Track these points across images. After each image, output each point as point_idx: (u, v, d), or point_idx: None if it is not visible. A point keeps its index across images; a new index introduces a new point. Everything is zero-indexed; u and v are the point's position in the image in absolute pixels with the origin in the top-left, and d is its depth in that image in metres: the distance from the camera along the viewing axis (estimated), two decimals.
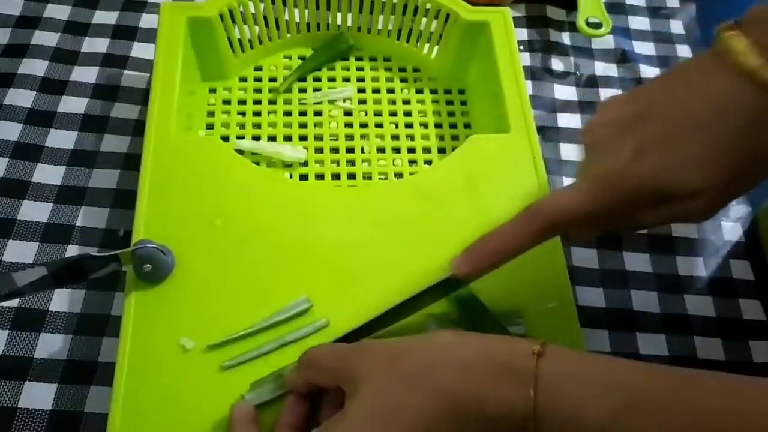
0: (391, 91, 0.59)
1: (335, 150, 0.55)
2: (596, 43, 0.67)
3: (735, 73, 0.34)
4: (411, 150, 0.56)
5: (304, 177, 0.53)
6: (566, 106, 0.62)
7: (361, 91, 0.59)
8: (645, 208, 0.36)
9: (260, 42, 0.59)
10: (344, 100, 0.58)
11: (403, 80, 0.60)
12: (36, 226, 0.51)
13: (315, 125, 0.56)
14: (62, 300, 0.48)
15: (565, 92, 0.63)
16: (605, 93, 0.63)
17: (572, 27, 0.67)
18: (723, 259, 0.55)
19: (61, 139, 0.55)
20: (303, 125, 0.56)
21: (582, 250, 0.53)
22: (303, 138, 0.55)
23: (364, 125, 0.57)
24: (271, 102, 0.58)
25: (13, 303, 0.47)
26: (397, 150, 0.56)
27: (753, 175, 0.36)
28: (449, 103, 0.59)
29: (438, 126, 0.58)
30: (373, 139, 0.56)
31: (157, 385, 0.40)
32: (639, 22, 0.69)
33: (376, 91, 0.59)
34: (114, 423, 0.38)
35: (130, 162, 0.54)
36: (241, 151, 0.52)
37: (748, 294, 0.53)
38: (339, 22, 0.61)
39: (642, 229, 0.38)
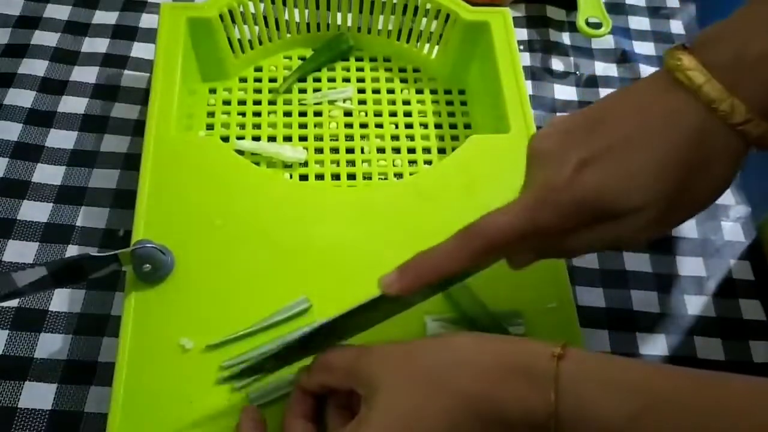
0: (391, 91, 0.59)
1: (335, 150, 0.55)
2: (596, 43, 0.67)
3: (682, 90, 0.33)
4: (411, 150, 0.56)
5: (304, 177, 0.53)
6: (566, 106, 0.62)
7: (361, 91, 0.59)
8: (583, 227, 0.35)
9: (260, 42, 0.59)
10: (344, 101, 0.58)
11: (403, 80, 0.60)
12: (36, 226, 0.51)
13: (315, 125, 0.56)
14: (62, 300, 0.48)
15: (565, 92, 0.63)
16: (605, 93, 0.63)
17: (572, 27, 0.67)
18: (723, 259, 0.55)
19: (61, 139, 0.55)
20: (303, 125, 0.56)
21: None
22: (303, 138, 0.55)
23: (364, 125, 0.57)
24: (271, 102, 0.58)
25: (13, 303, 0.47)
26: (397, 150, 0.56)
27: (693, 198, 0.35)
28: (449, 103, 0.59)
29: (438, 126, 0.58)
30: (373, 140, 0.56)
31: (156, 386, 0.40)
32: (639, 22, 0.69)
33: (376, 91, 0.59)
34: (114, 423, 0.38)
35: (130, 162, 0.54)
36: (241, 152, 0.52)
37: (748, 294, 0.53)
38: (339, 22, 0.61)
39: (577, 255, 0.37)
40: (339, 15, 0.60)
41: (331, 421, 0.37)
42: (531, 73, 0.64)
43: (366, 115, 0.58)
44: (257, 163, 0.52)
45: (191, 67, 0.55)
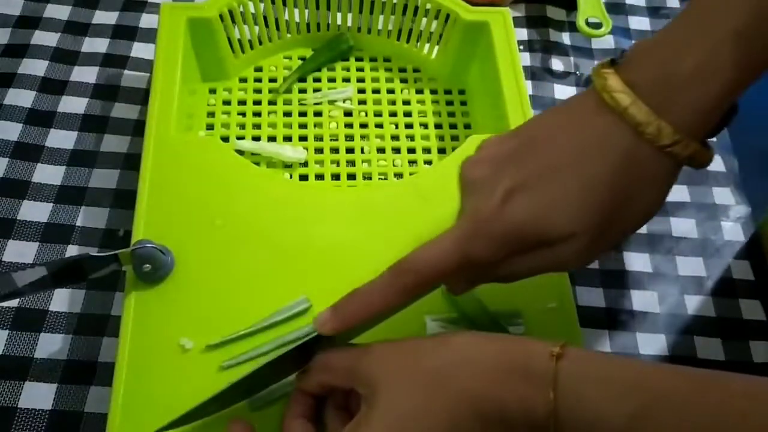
0: (391, 91, 0.59)
1: (335, 150, 0.55)
2: (596, 43, 0.67)
3: (609, 111, 0.33)
4: (411, 150, 0.56)
5: (304, 177, 0.53)
6: None
7: (361, 91, 0.59)
8: (517, 255, 0.35)
9: (260, 42, 0.59)
10: (344, 101, 0.58)
11: (403, 80, 0.60)
12: (36, 226, 0.51)
13: (315, 126, 0.56)
14: (62, 300, 0.48)
15: (565, 92, 0.63)
16: None
17: (572, 27, 0.67)
18: (723, 258, 0.55)
19: (61, 139, 0.55)
20: (303, 125, 0.56)
21: None
22: (303, 138, 0.55)
23: (364, 125, 0.57)
24: (271, 102, 0.58)
25: (13, 303, 0.47)
26: (397, 150, 0.56)
27: (625, 221, 0.34)
28: (449, 103, 0.59)
29: (438, 126, 0.58)
30: (373, 140, 0.56)
31: (156, 385, 0.40)
32: (639, 22, 0.69)
33: (376, 91, 0.59)
34: (114, 423, 0.38)
35: (130, 162, 0.54)
36: (241, 152, 0.52)
37: (748, 294, 0.53)
38: (339, 22, 0.61)
39: (517, 280, 0.37)
40: (339, 15, 0.60)
41: (330, 421, 0.37)
42: (531, 73, 0.64)
43: (366, 115, 0.58)
44: (257, 163, 0.52)
45: (191, 67, 0.55)
